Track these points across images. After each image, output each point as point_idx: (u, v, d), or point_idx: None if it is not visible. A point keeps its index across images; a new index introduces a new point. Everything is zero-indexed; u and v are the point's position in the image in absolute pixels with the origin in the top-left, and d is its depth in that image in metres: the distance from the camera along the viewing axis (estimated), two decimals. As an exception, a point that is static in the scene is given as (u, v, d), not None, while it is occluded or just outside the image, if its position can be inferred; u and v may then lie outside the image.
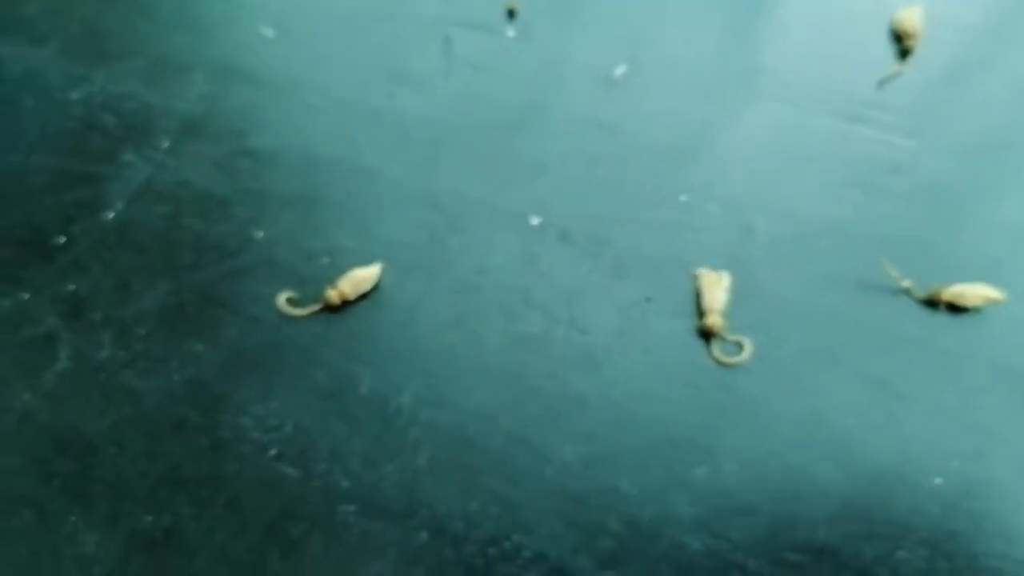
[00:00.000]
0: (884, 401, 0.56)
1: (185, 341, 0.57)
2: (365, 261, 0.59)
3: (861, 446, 0.55)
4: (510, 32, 0.68)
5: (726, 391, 0.57)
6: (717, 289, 0.58)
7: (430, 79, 0.66)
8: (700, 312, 0.58)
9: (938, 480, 0.55)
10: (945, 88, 0.66)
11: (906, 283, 0.59)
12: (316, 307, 0.57)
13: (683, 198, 0.62)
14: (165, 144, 0.62)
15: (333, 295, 0.57)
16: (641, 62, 0.66)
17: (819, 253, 0.61)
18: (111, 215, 0.60)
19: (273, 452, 0.53)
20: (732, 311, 0.58)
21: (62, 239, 0.60)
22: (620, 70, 0.66)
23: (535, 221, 0.61)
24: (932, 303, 0.59)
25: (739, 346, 0.58)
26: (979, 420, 0.56)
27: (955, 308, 0.59)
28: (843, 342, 0.58)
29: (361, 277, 0.58)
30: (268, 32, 0.67)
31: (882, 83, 0.66)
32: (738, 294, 0.59)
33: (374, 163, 0.63)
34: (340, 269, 0.59)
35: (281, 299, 0.57)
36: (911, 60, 0.66)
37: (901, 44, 0.67)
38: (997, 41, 0.67)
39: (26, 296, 0.57)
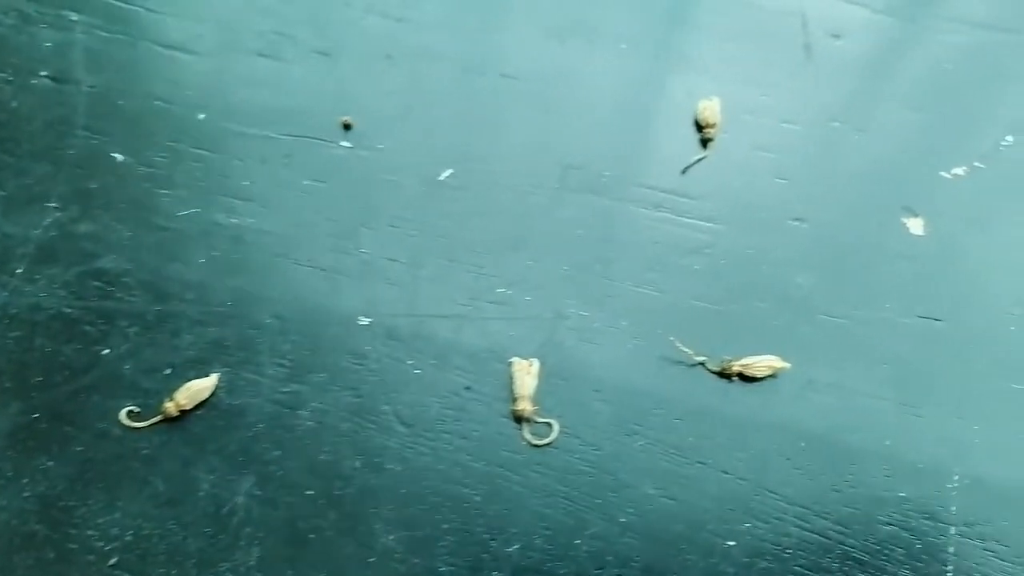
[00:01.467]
0: (682, 469, 0.62)
1: (36, 458, 0.61)
2: (204, 371, 0.64)
3: (660, 513, 0.61)
4: (346, 144, 0.73)
5: (539, 469, 0.62)
6: (527, 375, 0.64)
7: (270, 193, 0.71)
8: (513, 398, 0.64)
9: (731, 543, 0.60)
10: (742, 172, 0.72)
11: (700, 358, 0.65)
12: (156, 419, 0.62)
13: (501, 290, 0.68)
14: (19, 270, 0.67)
15: (171, 407, 0.61)
16: (465, 166, 0.72)
17: (624, 333, 0.66)
18: (-32, 342, 0.65)
19: (114, 560, 0.58)
20: (545, 393, 0.64)
21: (-79, 367, 0.64)
22: (446, 173, 0.72)
23: (364, 321, 0.66)
24: (724, 375, 0.65)
25: (548, 426, 0.63)
26: (768, 483, 0.62)
27: (746, 378, 0.65)
28: (645, 415, 0.63)
29: (198, 388, 0.63)
30: (118, 157, 0.72)
31: (685, 171, 0.72)
32: (551, 376, 0.65)
33: (213, 278, 0.68)
34: (181, 380, 0.63)
35: (123, 413, 0.62)
36: (712, 148, 0.73)
37: (702, 133, 0.73)
38: (789, 124, 0.74)
39: None
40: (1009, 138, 0.74)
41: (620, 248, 0.69)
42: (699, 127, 0.73)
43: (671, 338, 0.65)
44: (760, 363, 0.64)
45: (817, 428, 0.63)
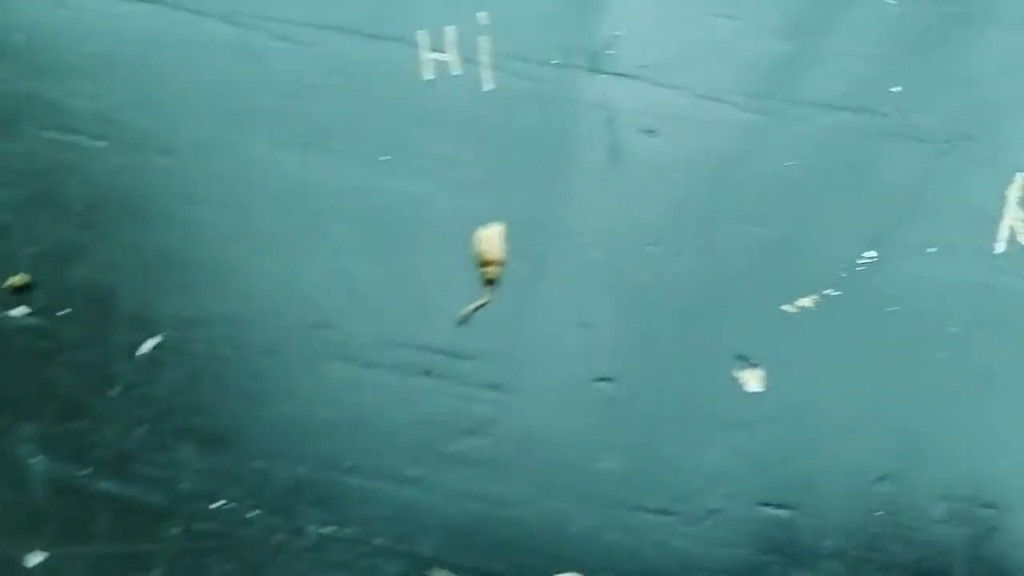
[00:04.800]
0: None
1: None
2: None
3: None
4: None
5: None
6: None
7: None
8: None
9: None
10: (534, 319, 0.57)
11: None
12: None
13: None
14: None
15: None
16: (176, 334, 0.56)
17: (378, 553, 0.50)
18: None
19: None
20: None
21: None
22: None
23: None
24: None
25: None
26: None
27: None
28: None
29: None
30: None
31: (462, 321, 0.56)
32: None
33: None
34: None
35: None
36: (496, 289, 0.57)
37: (483, 271, 0.58)
38: (593, 251, 0.58)
39: None
40: (872, 253, 0.59)
41: (371, 433, 0.53)
42: (480, 264, 0.58)
43: (429, 571, 0.48)
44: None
45: None
